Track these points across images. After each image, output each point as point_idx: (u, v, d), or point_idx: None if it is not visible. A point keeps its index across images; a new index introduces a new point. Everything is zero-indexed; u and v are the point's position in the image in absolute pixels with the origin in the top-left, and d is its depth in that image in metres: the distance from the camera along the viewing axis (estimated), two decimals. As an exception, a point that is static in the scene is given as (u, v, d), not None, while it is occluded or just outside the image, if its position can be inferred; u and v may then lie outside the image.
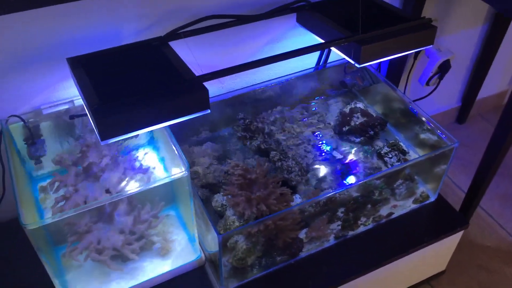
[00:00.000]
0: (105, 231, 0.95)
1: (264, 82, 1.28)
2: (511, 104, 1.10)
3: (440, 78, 1.50)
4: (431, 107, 1.78)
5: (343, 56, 0.99)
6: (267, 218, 0.95)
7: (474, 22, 1.59)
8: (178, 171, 0.89)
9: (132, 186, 0.98)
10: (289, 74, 1.31)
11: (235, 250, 0.99)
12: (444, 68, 1.49)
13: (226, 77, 1.20)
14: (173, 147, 0.93)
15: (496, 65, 1.74)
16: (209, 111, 0.81)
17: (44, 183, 1.00)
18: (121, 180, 0.97)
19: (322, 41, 1.08)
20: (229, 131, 1.26)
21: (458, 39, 1.59)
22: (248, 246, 0.99)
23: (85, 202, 0.93)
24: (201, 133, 1.25)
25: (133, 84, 0.80)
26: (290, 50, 0.94)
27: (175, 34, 0.96)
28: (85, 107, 0.79)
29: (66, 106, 1.02)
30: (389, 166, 1.20)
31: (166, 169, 1.06)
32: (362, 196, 1.11)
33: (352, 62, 0.97)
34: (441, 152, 1.11)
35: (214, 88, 1.23)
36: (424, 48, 1.06)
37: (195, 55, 1.07)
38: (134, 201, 0.98)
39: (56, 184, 0.94)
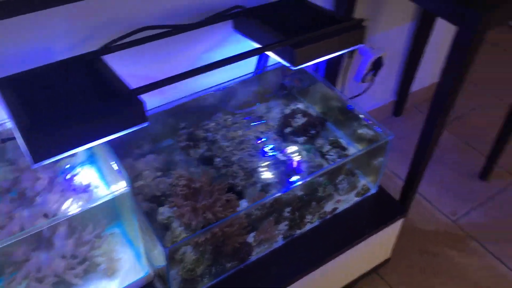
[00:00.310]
0: (45, 258, 0.91)
1: (205, 89, 1.28)
2: (438, 95, 1.17)
3: (374, 74, 1.56)
4: (369, 103, 1.84)
5: (279, 59, 1.01)
6: (213, 226, 0.95)
7: (403, 20, 1.66)
8: (119, 187, 0.87)
9: (72, 207, 0.95)
10: (230, 80, 1.31)
11: (183, 261, 0.98)
12: (377, 65, 1.55)
13: (167, 87, 1.19)
14: (114, 165, 0.91)
15: (426, 59, 1.83)
16: (147, 123, 0.80)
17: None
18: (60, 202, 0.93)
19: (259, 46, 1.10)
20: (172, 142, 1.25)
21: (389, 36, 1.66)
22: (197, 256, 0.98)
23: (22, 230, 0.89)
24: (144, 145, 1.22)
25: (65, 102, 0.78)
26: (226, 57, 0.94)
27: (109, 48, 0.94)
28: (14, 129, 0.76)
29: (-5, 129, 0.97)
30: (331, 163, 1.23)
31: (107, 185, 1.03)
32: (306, 194, 1.14)
33: (288, 65, 0.99)
34: (377, 146, 1.16)
35: (157, 99, 1.21)
36: (355, 47, 1.10)
37: (131, 68, 1.05)
38: (74, 223, 0.95)
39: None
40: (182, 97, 1.25)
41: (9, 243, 0.78)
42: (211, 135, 1.23)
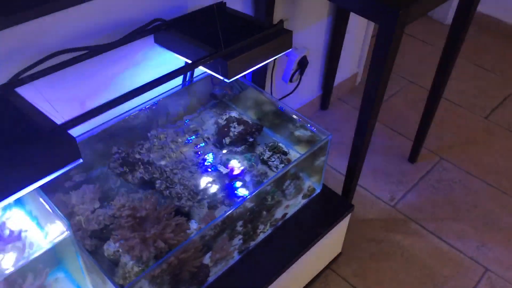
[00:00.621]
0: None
1: (133, 108, 1.21)
2: (368, 90, 1.20)
3: (301, 73, 1.58)
4: (297, 101, 1.87)
5: (211, 72, 0.98)
6: (169, 256, 0.90)
7: (320, 16, 1.70)
8: (57, 232, 0.79)
9: (6, 260, 0.85)
10: (158, 95, 1.25)
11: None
12: (303, 63, 1.57)
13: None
14: (46, 205, 0.83)
15: (346, 52, 1.89)
16: (81, 160, 0.73)
17: None
18: (-10, 256, 0.83)
19: (184, 59, 1.05)
20: (105, 169, 1.16)
21: (309, 33, 1.69)
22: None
23: None
24: (74, 176, 1.13)
25: (-18, 148, 0.68)
26: (155, 78, 0.89)
27: (21, 79, 0.84)
28: None
29: None
30: (274, 169, 1.22)
31: (41, 227, 0.94)
32: (257, 205, 1.12)
33: (221, 77, 0.96)
34: (319, 147, 1.17)
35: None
36: (285, 52, 1.09)
37: (49, 98, 0.96)
38: (12, 277, 0.85)
39: None
40: (110, 120, 1.17)
41: None
42: (147, 156, 1.17)
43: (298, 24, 1.60)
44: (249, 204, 1.09)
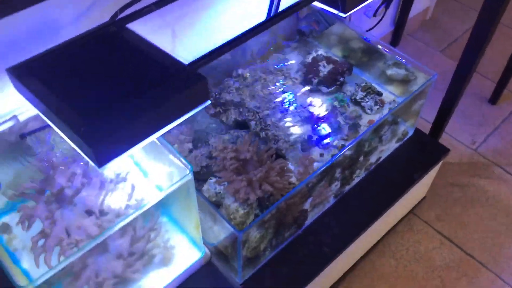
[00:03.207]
0: (101, 261, 0.81)
1: (217, 47, 1.14)
2: (473, 38, 1.10)
3: (386, 7, 1.46)
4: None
5: (323, 6, 0.89)
6: (281, 201, 0.87)
7: None
8: (177, 175, 0.77)
9: (116, 200, 0.84)
10: (242, 33, 1.17)
11: (248, 241, 0.91)
12: (388, -4, 1.44)
13: (176, 49, 1.05)
14: (166, 150, 0.80)
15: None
16: (209, 102, 0.68)
17: (4, 219, 0.82)
18: (104, 196, 0.82)
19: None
20: (199, 111, 1.12)
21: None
22: (261, 233, 0.91)
23: (68, 234, 0.78)
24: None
25: (112, 88, 0.64)
26: (268, 18, 0.82)
27: (135, 12, 0.78)
28: (57, 128, 0.63)
29: (9, 124, 0.81)
30: (368, 111, 1.16)
31: (144, 172, 0.92)
32: (355, 151, 1.07)
33: (336, 12, 0.87)
34: (423, 88, 1.09)
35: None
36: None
37: (146, 30, 0.90)
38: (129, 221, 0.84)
39: (27, 219, 0.77)
40: (197, 59, 1.11)
41: (79, 254, 0.68)
42: (237, 96, 1.12)
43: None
44: (348, 151, 1.04)
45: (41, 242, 0.77)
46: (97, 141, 0.57)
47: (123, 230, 0.82)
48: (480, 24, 1.08)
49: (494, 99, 1.68)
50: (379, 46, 1.19)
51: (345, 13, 0.87)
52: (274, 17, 0.81)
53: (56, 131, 0.64)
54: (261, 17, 1.21)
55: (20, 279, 0.70)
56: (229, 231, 0.84)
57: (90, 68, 0.68)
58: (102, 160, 0.58)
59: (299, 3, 0.85)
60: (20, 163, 0.85)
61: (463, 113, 1.65)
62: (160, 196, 0.76)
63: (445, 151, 1.20)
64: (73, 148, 0.61)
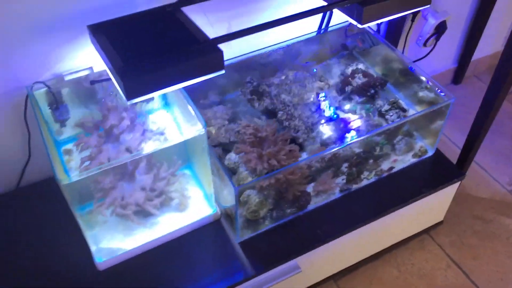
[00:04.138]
0: (128, 188, 1.02)
1: (269, 46, 1.33)
2: (503, 63, 1.16)
3: (437, 39, 1.55)
4: (427, 69, 1.83)
5: (346, 17, 1.04)
6: (278, 171, 1.02)
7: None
8: (195, 130, 0.96)
9: (150, 146, 1.05)
10: (293, 38, 1.36)
11: (248, 203, 1.07)
12: (441, 29, 1.53)
13: (233, 41, 1.25)
14: (189, 107, 1.00)
15: (491, 26, 1.79)
16: (223, 71, 0.87)
17: (68, 146, 1.06)
18: (140, 141, 1.03)
19: (326, 3, 1.13)
20: (237, 95, 1.32)
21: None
22: (260, 199, 1.06)
23: (109, 161, 1.00)
24: (211, 97, 1.31)
25: (152, 48, 0.86)
26: (295, 13, 0.99)
27: (187, 0, 1.00)
28: (108, 70, 0.85)
29: (86, 72, 1.07)
30: (390, 122, 1.26)
31: (181, 130, 1.13)
32: (364, 151, 1.18)
33: (355, 22, 1.02)
34: (438, 108, 1.18)
35: (225, 52, 1.28)
36: (421, 8, 1.10)
37: (205, 21, 1.12)
38: (153, 160, 1.05)
39: (81, 145, 1.01)
40: (248, 53, 1.31)
41: (101, 170, 0.89)
42: (275, 90, 1.29)
43: (445, -12, 1.56)
44: (356, 148, 1.16)
45: (87, 163, 1.00)
46: (128, 78, 0.78)
47: (149, 166, 1.02)
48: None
49: (545, 147, 1.67)
50: (415, 69, 1.29)
51: (362, 24, 1.01)
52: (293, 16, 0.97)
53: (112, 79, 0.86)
54: (312, 28, 1.39)
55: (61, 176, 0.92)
56: (230, 188, 1.01)
57: (145, 34, 0.91)
58: (129, 95, 0.79)
59: (323, 7, 1.01)
60: (86, 107, 1.10)
61: (508, 155, 1.66)
62: (172, 143, 0.95)
63: (459, 174, 1.25)
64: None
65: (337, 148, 1.11)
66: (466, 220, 1.47)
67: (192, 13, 1.05)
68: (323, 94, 1.32)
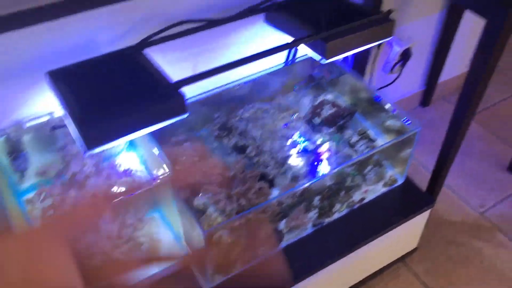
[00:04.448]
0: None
1: (236, 80, 1.33)
2: (469, 83, 1.18)
3: (403, 65, 1.57)
4: (397, 93, 1.86)
5: (311, 52, 1.05)
6: (248, 211, 1.00)
7: (431, 10, 1.67)
8: (161, 174, 0.93)
9: (117, 190, 1.02)
10: (260, 71, 1.36)
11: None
12: (406, 55, 1.56)
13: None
14: (154, 150, 0.97)
15: (456, 49, 1.83)
16: (186, 115, 0.85)
17: (29, 196, 1.02)
18: (107, 185, 1.00)
19: (290, 38, 1.13)
20: (207, 131, 1.30)
21: (418, 26, 1.67)
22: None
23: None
24: (179, 134, 1.29)
25: (112, 94, 0.84)
26: (261, 51, 0.98)
27: (147, 42, 0.99)
28: (67, 118, 0.82)
29: (47, 118, 1.04)
30: (359, 154, 1.27)
31: (147, 170, 1.10)
32: (335, 183, 1.18)
33: (319, 58, 1.02)
34: (405, 137, 1.19)
35: (191, 88, 1.27)
36: (384, 40, 1.12)
37: (169, 60, 1.10)
38: (118, 206, 1.01)
39: (43, 194, 0.97)
40: (216, 88, 1.30)
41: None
42: (243, 125, 1.28)
43: (408, 15, 1.59)
44: (328, 181, 1.15)
45: (50, 212, 0.97)
46: (87, 131, 0.76)
47: (113, 214, 0.99)
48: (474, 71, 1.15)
49: (513, 167, 1.70)
50: (382, 98, 1.30)
51: (327, 59, 1.01)
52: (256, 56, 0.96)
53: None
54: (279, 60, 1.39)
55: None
56: (198, 230, 0.98)
57: (105, 80, 0.89)
58: (89, 145, 0.77)
59: (288, 43, 1.01)
60: (48, 153, 1.07)
61: (477, 177, 1.68)
62: (139, 191, 0.92)
63: (430, 201, 1.26)
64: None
65: (307, 184, 1.10)
66: (439, 245, 1.47)
67: (156, 52, 1.04)
68: (292, 127, 1.32)
